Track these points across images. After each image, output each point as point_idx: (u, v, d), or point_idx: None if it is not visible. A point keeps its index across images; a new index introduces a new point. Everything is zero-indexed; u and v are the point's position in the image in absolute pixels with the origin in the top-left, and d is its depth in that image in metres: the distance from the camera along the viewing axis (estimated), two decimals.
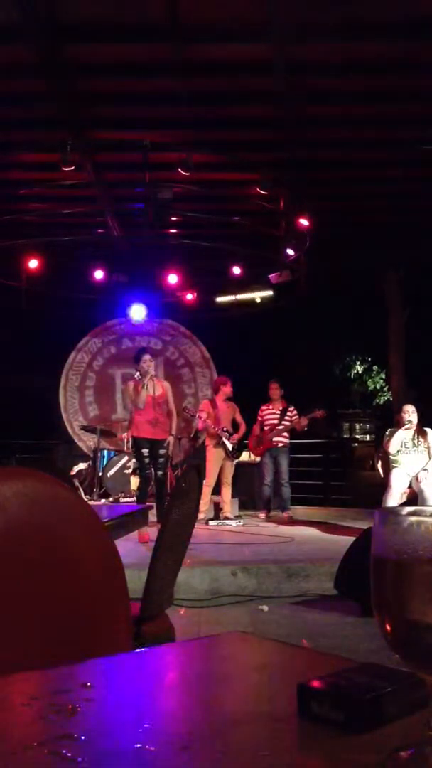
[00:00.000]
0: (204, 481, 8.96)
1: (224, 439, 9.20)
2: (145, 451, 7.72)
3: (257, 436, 9.80)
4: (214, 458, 9.23)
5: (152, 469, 7.85)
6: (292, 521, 9.40)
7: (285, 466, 9.66)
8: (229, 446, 9.22)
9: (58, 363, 12.51)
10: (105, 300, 11.66)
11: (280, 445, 9.66)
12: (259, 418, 9.79)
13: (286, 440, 9.73)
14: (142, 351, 8.20)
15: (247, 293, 11.36)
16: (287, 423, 9.66)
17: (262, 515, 9.81)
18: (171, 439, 7.98)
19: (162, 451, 7.77)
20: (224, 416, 9.30)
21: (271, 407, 9.77)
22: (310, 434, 10.39)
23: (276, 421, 9.68)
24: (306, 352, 17.11)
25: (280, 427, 9.64)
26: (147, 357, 7.87)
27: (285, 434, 9.71)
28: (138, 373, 7.83)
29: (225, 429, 9.23)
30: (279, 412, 9.70)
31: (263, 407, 9.81)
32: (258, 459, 10.13)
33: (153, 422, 7.66)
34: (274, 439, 9.64)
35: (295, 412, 9.72)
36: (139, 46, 6.55)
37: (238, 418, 9.44)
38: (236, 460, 9.58)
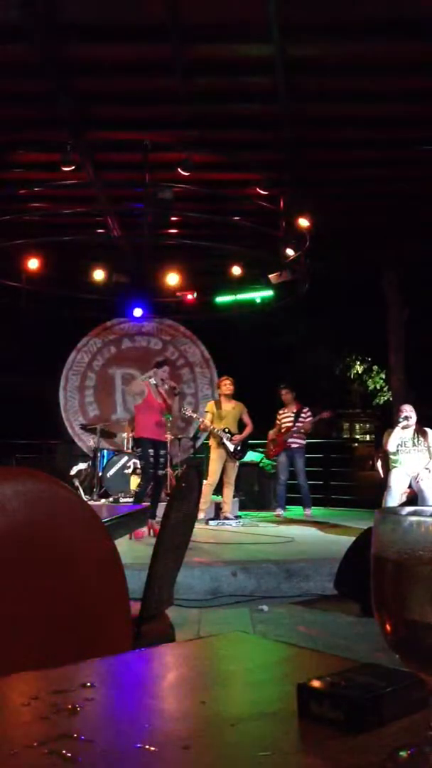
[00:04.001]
0: (206, 480, 8.98)
1: (225, 440, 9.20)
2: (151, 452, 7.96)
3: (273, 437, 9.95)
4: (216, 458, 9.25)
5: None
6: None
7: (300, 466, 9.86)
8: (230, 447, 9.21)
9: (58, 363, 12.51)
10: (105, 300, 11.66)
11: (295, 446, 9.84)
12: (277, 422, 10.00)
13: (301, 441, 9.95)
14: (165, 361, 8.63)
15: (247, 293, 11.35)
16: (300, 424, 9.80)
17: (278, 513, 9.90)
18: (170, 436, 8.55)
19: (163, 452, 8.15)
20: (228, 416, 9.31)
21: (286, 410, 10.02)
22: (311, 434, 10.44)
23: (290, 423, 9.88)
24: (306, 352, 17.11)
25: (294, 428, 9.77)
26: (167, 368, 8.35)
27: (300, 434, 9.84)
28: (153, 379, 8.12)
29: (226, 429, 9.23)
30: (293, 414, 9.88)
31: (280, 411, 10.07)
32: (263, 460, 10.28)
33: (159, 424, 8.04)
34: (289, 440, 9.78)
35: (309, 413, 9.95)
36: (139, 46, 6.56)
37: (245, 418, 9.46)
38: (239, 461, 9.60)
